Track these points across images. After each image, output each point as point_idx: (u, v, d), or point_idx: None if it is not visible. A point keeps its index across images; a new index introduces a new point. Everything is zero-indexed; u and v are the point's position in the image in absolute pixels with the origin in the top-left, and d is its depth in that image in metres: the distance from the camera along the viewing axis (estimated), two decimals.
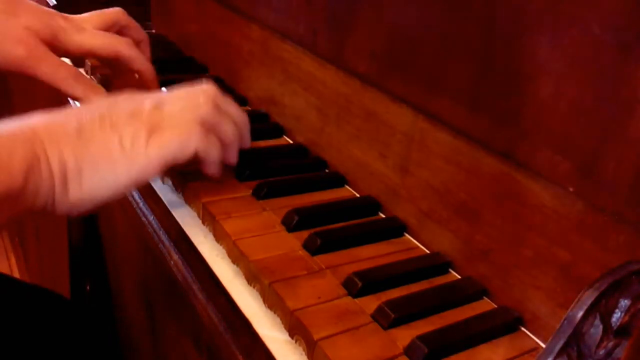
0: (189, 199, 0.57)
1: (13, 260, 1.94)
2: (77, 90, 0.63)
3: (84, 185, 0.46)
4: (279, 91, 0.72)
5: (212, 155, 0.53)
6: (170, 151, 0.50)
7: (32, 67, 0.63)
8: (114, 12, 0.71)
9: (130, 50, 0.68)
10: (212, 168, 0.55)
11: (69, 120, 0.48)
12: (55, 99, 0.77)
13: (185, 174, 0.58)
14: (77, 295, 1.08)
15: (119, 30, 0.71)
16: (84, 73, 0.65)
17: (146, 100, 0.51)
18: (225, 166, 0.57)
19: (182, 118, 0.51)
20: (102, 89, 0.64)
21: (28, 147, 0.44)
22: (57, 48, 0.65)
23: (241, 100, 0.78)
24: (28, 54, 0.62)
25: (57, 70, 0.63)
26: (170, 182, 0.60)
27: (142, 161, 0.48)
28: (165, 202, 0.58)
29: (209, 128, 0.52)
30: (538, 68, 0.43)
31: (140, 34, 0.73)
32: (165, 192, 0.59)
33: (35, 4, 0.65)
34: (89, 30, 0.67)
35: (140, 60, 0.69)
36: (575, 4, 0.40)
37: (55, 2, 0.95)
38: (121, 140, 0.48)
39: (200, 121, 0.52)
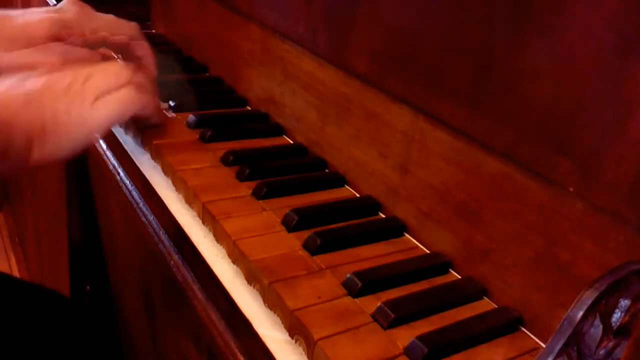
0: (189, 199, 0.57)
1: (13, 260, 1.94)
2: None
3: (46, 148, 0.52)
4: (279, 91, 0.72)
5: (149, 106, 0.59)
6: (115, 113, 0.55)
7: None
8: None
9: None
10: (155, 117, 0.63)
11: (15, 95, 0.51)
12: None
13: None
14: (77, 295, 1.08)
15: None
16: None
17: (78, 73, 0.55)
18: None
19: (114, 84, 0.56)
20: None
21: None
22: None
23: (241, 101, 0.78)
24: None
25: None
26: (170, 181, 0.60)
27: (89, 123, 0.53)
28: (166, 202, 0.58)
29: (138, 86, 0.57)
30: (538, 68, 0.43)
31: None
32: (165, 192, 0.59)
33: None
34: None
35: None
36: (576, 4, 0.40)
37: (55, 2, 0.95)
38: (69, 107, 0.52)
39: (129, 84, 0.57)
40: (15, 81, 0.52)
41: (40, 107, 0.51)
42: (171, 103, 0.73)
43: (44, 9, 0.65)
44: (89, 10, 0.67)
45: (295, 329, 0.42)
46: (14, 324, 0.76)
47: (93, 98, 0.54)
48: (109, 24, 0.68)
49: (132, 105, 0.56)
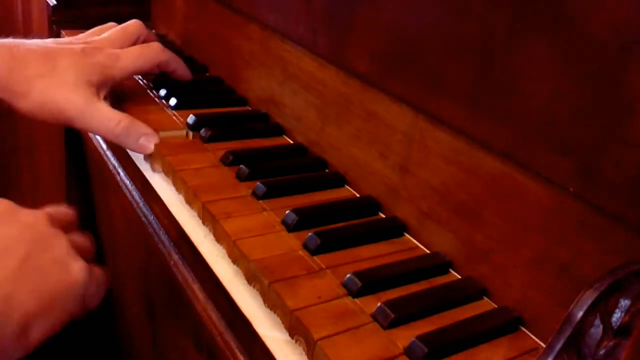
0: (189, 200, 0.57)
1: None
2: (129, 142, 0.63)
3: (47, 327, 0.45)
4: (279, 91, 0.72)
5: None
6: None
7: (83, 125, 0.63)
8: (135, 27, 0.72)
9: (165, 54, 0.71)
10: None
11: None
12: None
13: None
14: None
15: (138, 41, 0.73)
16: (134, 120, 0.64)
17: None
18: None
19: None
20: (154, 133, 0.64)
21: None
22: (106, 84, 0.66)
23: (241, 101, 0.78)
24: (78, 114, 0.62)
25: (107, 126, 0.62)
26: (170, 182, 0.60)
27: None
28: (165, 202, 0.58)
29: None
30: (538, 68, 0.43)
31: (153, 37, 0.76)
32: (165, 191, 0.59)
33: (68, 47, 0.65)
34: (124, 55, 0.67)
35: (175, 59, 0.73)
36: (575, 4, 0.40)
37: (55, 2, 0.95)
38: (61, 271, 0.45)
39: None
40: None
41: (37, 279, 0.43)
42: (172, 102, 0.73)
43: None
44: (119, 51, 0.67)
45: (295, 329, 0.42)
46: None
47: (74, 254, 0.47)
48: (143, 57, 0.68)
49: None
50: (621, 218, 0.39)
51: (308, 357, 0.41)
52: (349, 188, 0.62)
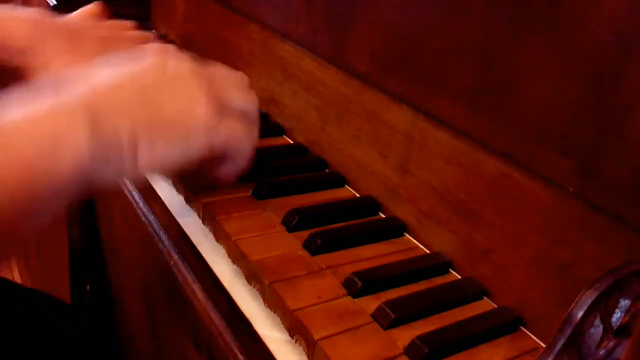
0: (190, 200, 0.57)
1: (13, 260, 1.95)
2: None
3: (156, 152, 0.45)
4: (279, 91, 0.72)
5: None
6: (237, 134, 0.50)
7: None
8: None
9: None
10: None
11: (127, 82, 0.45)
12: None
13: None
14: (77, 297, 1.08)
15: None
16: None
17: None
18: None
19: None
20: None
21: (91, 122, 0.41)
22: None
23: None
24: None
25: None
26: (172, 185, 0.60)
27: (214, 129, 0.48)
28: (165, 202, 0.58)
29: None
30: (538, 68, 0.43)
31: None
32: (165, 192, 0.59)
33: (94, 31, 0.66)
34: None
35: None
36: (575, 4, 0.40)
37: (55, 2, 0.95)
38: (191, 104, 0.46)
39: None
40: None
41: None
42: None
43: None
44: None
45: (296, 329, 0.42)
46: (15, 329, 0.76)
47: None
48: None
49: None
50: (621, 218, 0.39)
51: (308, 357, 0.41)
52: (349, 188, 0.62)
